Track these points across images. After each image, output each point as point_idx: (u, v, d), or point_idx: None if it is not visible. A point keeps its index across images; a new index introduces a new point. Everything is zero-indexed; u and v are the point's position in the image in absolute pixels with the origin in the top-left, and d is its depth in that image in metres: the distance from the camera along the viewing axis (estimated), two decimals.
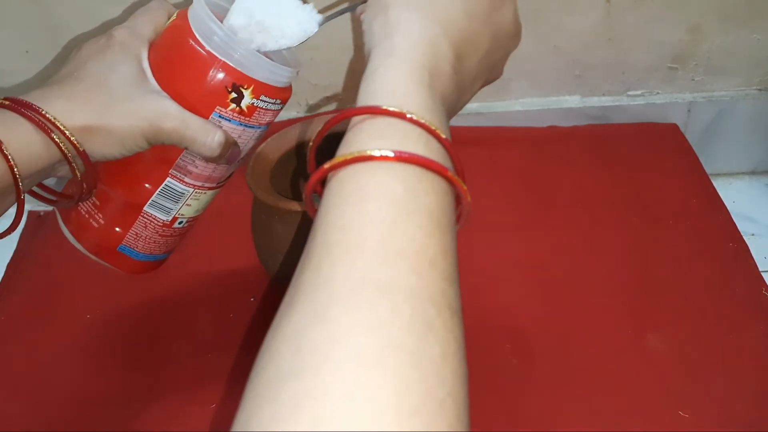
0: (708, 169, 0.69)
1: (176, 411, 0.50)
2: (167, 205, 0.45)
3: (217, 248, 0.62)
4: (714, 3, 0.68)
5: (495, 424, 0.48)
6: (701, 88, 0.74)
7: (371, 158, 0.28)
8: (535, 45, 0.71)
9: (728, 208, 0.65)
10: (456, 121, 0.77)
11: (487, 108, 0.76)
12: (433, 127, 0.30)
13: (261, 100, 0.42)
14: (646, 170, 0.69)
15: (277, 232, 0.50)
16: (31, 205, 0.79)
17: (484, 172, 0.70)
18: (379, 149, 0.28)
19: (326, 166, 0.29)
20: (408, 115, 0.30)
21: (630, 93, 0.75)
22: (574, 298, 0.57)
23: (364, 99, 0.32)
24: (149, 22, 0.43)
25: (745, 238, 0.61)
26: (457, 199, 0.32)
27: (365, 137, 0.30)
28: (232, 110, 0.41)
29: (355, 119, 0.31)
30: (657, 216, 0.64)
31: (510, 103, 0.76)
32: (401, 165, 0.29)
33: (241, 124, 0.42)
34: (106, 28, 0.69)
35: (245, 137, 0.43)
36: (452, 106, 0.35)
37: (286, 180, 0.57)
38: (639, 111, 0.75)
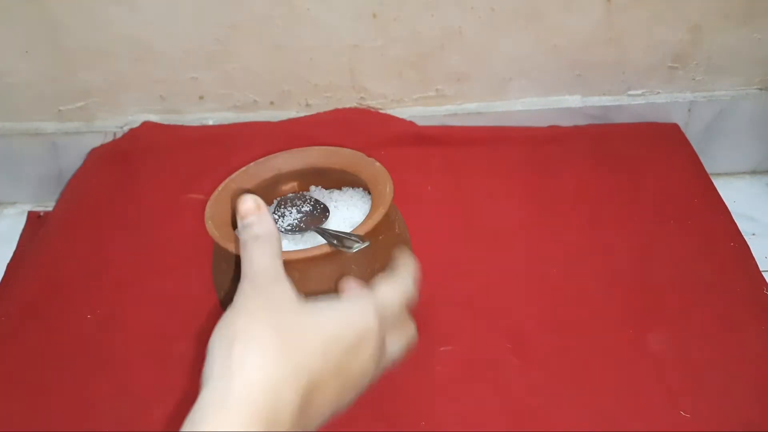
0: (708, 169, 0.69)
1: (176, 411, 0.50)
2: None
3: None
4: (714, 2, 0.68)
5: (495, 424, 0.48)
6: (702, 88, 0.74)
7: None
8: (535, 45, 0.71)
9: (729, 207, 0.65)
10: (456, 121, 0.78)
11: (487, 108, 0.76)
12: None
13: None
14: (647, 170, 0.69)
15: (220, 266, 0.49)
16: (30, 205, 0.79)
17: (484, 172, 0.70)
18: None
19: None
20: None
21: (630, 92, 0.75)
22: (574, 298, 0.57)
23: None
24: None
25: (745, 237, 0.61)
26: None
27: None
28: None
29: None
30: (657, 216, 0.64)
31: (510, 103, 0.76)
32: None
33: None
34: (106, 28, 0.69)
35: None
36: None
37: None
38: (639, 110, 0.75)
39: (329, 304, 0.36)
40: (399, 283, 0.40)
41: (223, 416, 0.30)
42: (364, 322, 0.36)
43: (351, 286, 0.41)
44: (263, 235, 0.38)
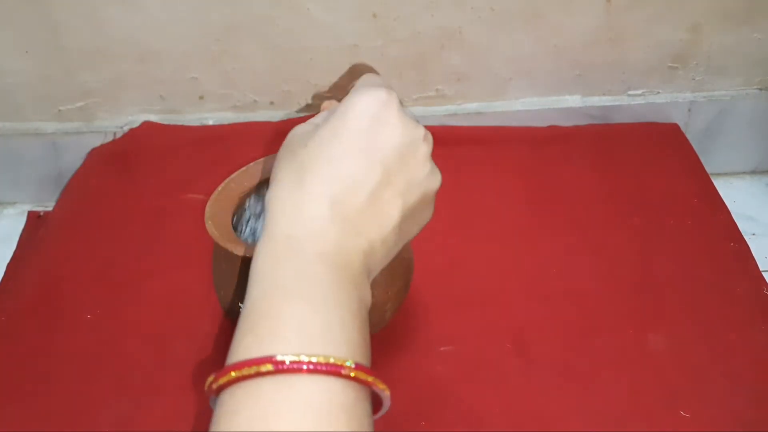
0: (709, 169, 0.69)
1: (176, 411, 0.50)
2: None
3: None
4: (714, 2, 0.68)
5: (495, 424, 0.48)
6: (702, 88, 0.74)
7: (280, 371, 0.27)
8: (535, 45, 0.71)
9: (729, 207, 0.65)
10: (456, 121, 0.78)
11: (487, 108, 0.76)
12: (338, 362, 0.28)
13: None
14: (647, 170, 0.69)
15: (220, 266, 0.49)
16: (30, 205, 0.79)
17: (484, 172, 0.70)
18: (293, 355, 0.27)
19: (231, 374, 0.28)
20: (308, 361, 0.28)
21: (630, 92, 0.75)
22: (574, 297, 0.57)
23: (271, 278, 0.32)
24: None
25: (745, 237, 0.61)
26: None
27: (267, 336, 0.29)
28: None
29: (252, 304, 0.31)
30: (657, 216, 0.64)
31: (510, 103, 0.76)
32: (316, 379, 0.27)
33: None
34: (106, 28, 0.69)
35: None
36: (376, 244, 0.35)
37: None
38: (639, 110, 0.75)
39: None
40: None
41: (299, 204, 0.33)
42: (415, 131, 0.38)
43: None
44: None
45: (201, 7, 0.68)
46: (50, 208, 0.73)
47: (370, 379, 0.29)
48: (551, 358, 0.52)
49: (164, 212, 0.67)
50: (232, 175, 0.52)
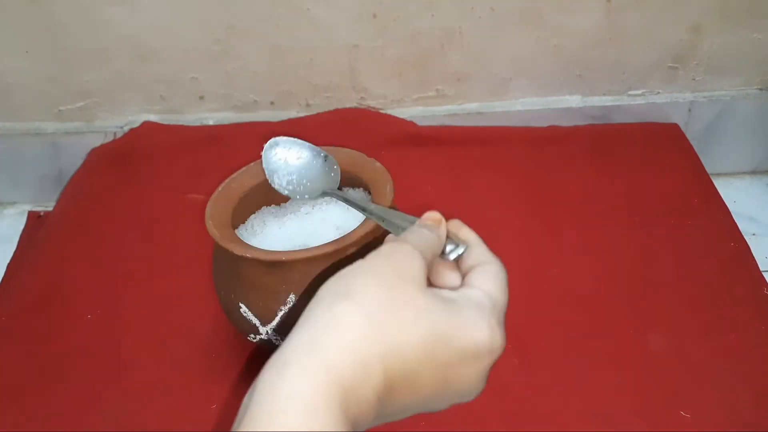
0: (709, 169, 0.69)
1: (176, 411, 0.50)
2: None
3: None
4: (714, 2, 0.68)
5: (495, 424, 0.48)
6: (702, 88, 0.74)
7: None
8: (535, 45, 0.71)
9: (729, 207, 0.65)
10: (456, 121, 0.78)
11: (487, 108, 0.76)
12: None
13: None
14: (647, 170, 0.69)
15: (220, 266, 0.49)
16: (30, 205, 0.79)
17: (484, 172, 0.70)
18: None
19: None
20: None
21: (630, 93, 0.75)
22: (575, 297, 0.57)
23: (267, 397, 0.27)
24: None
25: (746, 237, 0.61)
26: None
27: None
28: None
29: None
30: (658, 216, 0.64)
31: (510, 103, 0.76)
32: None
33: None
34: (106, 28, 0.69)
35: None
36: (367, 425, 0.30)
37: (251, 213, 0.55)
38: (640, 110, 0.75)
39: (454, 301, 0.33)
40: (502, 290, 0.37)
41: (304, 365, 0.28)
42: (486, 337, 0.33)
43: (475, 284, 0.36)
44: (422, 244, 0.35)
45: (201, 7, 0.68)
46: (50, 208, 0.73)
47: None
48: (551, 358, 0.52)
49: (164, 212, 0.67)
50: (232, 175, 0.52)
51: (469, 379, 0.33)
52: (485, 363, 0.33)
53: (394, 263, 0.32)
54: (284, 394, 0.27)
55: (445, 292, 0.34)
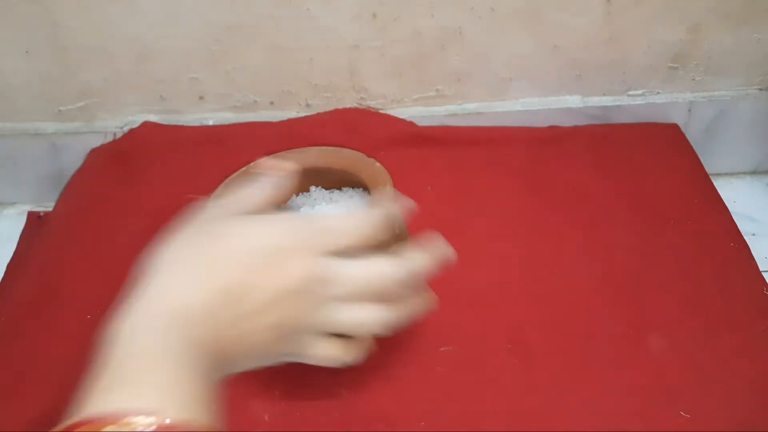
0: (709, 169, 0.69)
1: None
2: None
3: None
4: (714, 2, 0.68)
5: (495, 424, 0.48)
6: (702, 88, 0.74)
7: None
8: (535, 45, 0.71)
9: (729, 207, 0.65)
10: (456, 121, 0.78)
11: (487, 108, 0.76)
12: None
13: None
14: (647, 170, 0.69)
15: None
16: (30, 205, 0.79)
17: (484, 172, 0.70)
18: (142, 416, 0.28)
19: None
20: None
21: (630, 93, 0.75)
22: (574, 297, 0.57)
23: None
24: None
25: (745, 237, 0.61)
26: None
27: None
28: None
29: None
30: (657, 216, 0.64)
31: (510, 103, 0.76)
32: None
33: None
34: (106, 28, 0.69)
35: None
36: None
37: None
38: (639, 111, 0.75)
39: (268, 216, 0.37)
40: (395, 260, 0.39)
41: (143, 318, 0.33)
42: (295, 235, 0.35)
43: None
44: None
45: (201, 7, 0.68)
46: (50, 208, 0.73)
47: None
48: (551, 358, 0.52)
49: (164, 212, 0.67)
50: (232, 175, 0.52)
51: (292, 280, 0.34)
52: (299, 262, 0.35)
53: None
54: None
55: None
